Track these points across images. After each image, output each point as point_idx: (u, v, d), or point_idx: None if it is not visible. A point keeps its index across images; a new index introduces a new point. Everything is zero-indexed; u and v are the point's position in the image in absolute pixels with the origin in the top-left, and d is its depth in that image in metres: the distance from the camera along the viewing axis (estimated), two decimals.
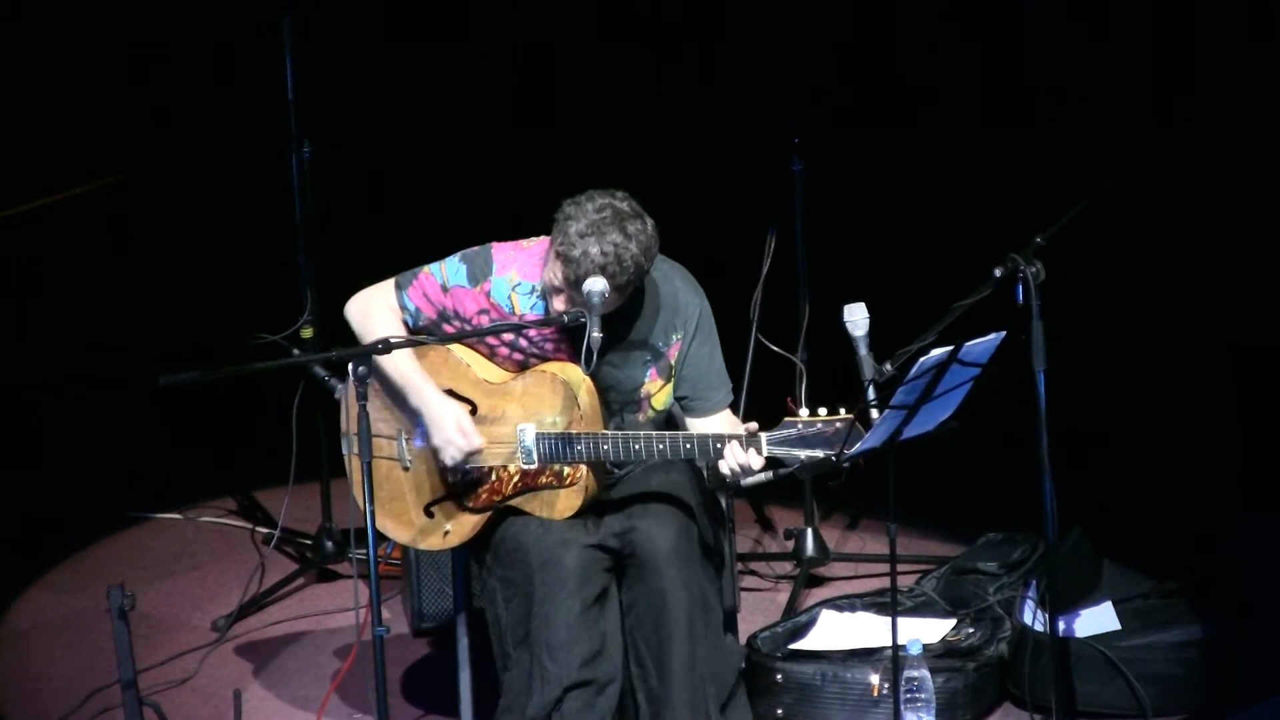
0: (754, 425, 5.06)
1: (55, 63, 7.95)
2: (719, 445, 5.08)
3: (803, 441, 5.00)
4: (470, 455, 5.25)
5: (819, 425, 4.99)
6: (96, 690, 5.94)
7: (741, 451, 5.04)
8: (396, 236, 8.29)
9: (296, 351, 6.72)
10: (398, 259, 8.03)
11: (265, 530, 7.18)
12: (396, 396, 5.32)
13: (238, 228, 8.23)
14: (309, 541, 6.95)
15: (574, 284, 5.07)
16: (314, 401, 6.66)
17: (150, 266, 8.30)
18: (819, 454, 4.99)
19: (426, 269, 5.31)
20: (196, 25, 7.99)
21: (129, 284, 8.27)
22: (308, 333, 6.72)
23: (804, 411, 5.01)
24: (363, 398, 4.85)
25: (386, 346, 4.97)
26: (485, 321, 5.29)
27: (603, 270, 5.03)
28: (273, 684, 6.11)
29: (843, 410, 4.98)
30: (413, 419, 5.31)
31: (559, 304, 5.13)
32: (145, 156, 8.10)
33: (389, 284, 5.33)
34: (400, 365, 5.28)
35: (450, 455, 5.25)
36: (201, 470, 7.77)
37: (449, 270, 5.30)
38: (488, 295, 5.27)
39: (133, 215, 8.15)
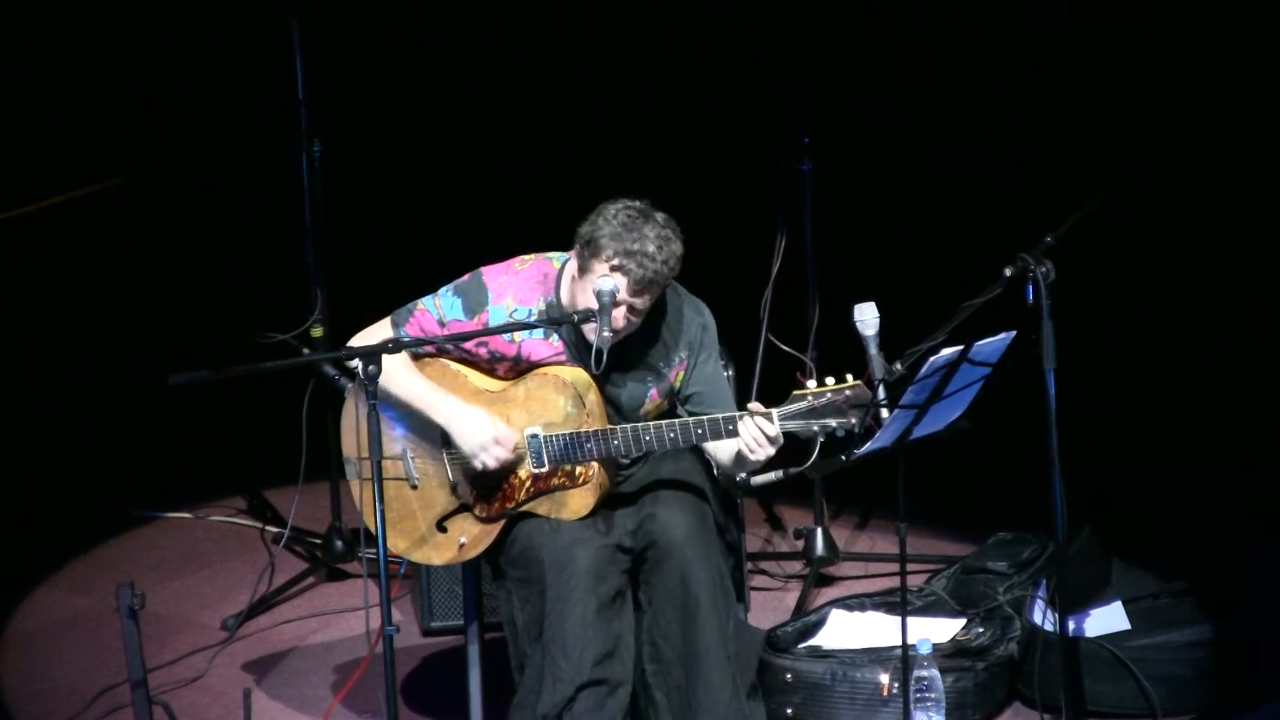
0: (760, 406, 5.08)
1: (71, 64, 7.96)
2: (730, 427, 5.07)
3: (814, 413, 5.00)
4: (512, 452, 5.23)
5: (829, 395, 4.98)
6: (106, 689, 5.94)
7: (754, 425, 5.03)
8: (406, 235, 8.30)
9: (306, 350, 6.72)
10: (407, 257, 8.06)
11: (275, 529, 7.19)
12: (411, 419, 5.32)
13: (248, 226, 8.23)
14: (319, 541, 6.95)
15: (631, 284, 5.06)
16: (324, 400, 6.65)
17: (161, 265, 8.30)
18: (832, 423, 4.97)
19: (421, 304, 5.31)
20: (208, 24, 7.99)
21: (140, 282, 8.28)
22: (317, 332, 6.72)
23: (812, 383, 5.00)
24: (372, 396, 4.85)
25: (396, 346, 4.99)
26: (483, 353, 5.30)
27: (653, 258, 5.04)
28: (282, 683, 6.11)
29: (850, 377, 4.98)
30: (435, 436, 5.30)
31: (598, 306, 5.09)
32: (156, 155, 8.11)
33: (385, 322, 5.32)
34: (412, 388, 5.28)
35: (495, 456, 5.22)
36: (211, 469, 7.78)
37: (444, 304, 5.29)
38: (486, 326, 5.27)
39: (144, 214, 8.16)
